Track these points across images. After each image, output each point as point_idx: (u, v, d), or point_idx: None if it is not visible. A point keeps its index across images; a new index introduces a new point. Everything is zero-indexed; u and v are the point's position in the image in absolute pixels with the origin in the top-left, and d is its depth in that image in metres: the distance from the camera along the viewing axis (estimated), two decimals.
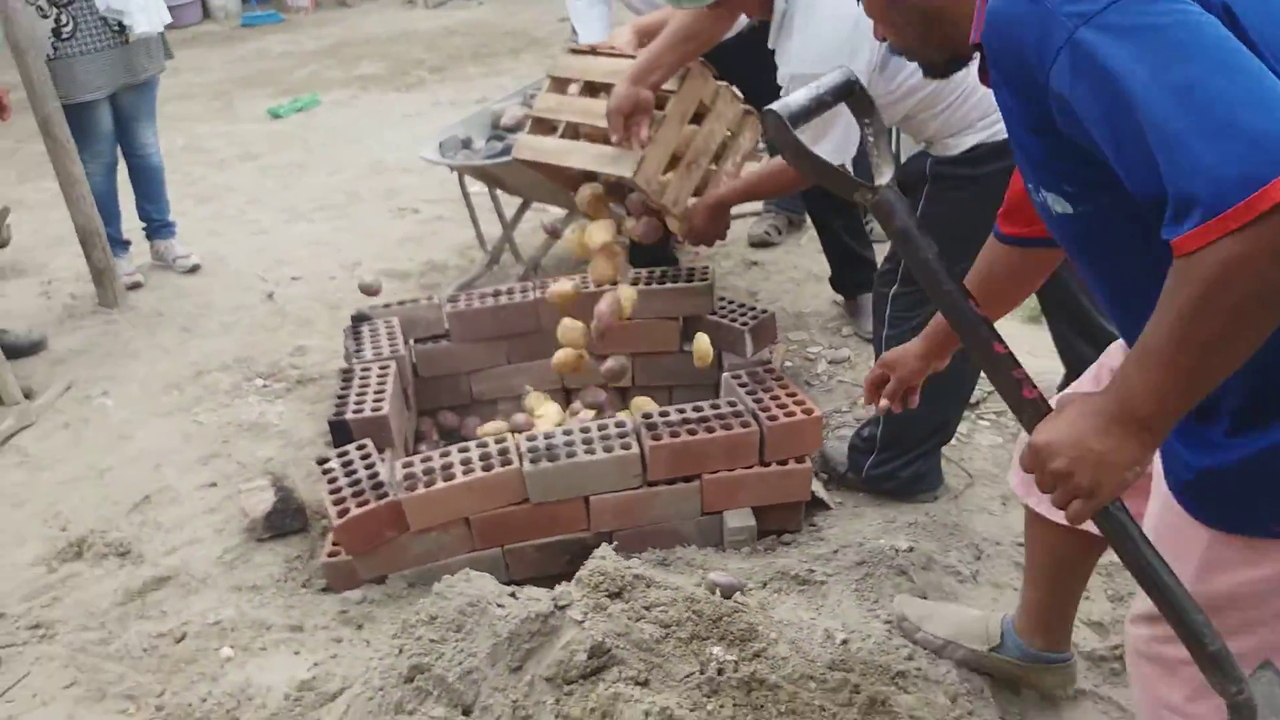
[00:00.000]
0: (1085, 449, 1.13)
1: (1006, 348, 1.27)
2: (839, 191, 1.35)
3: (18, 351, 3.46)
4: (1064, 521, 1.21)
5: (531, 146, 2.91)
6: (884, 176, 1.32)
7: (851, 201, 1.35)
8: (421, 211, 4.75)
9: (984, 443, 2.82)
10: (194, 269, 4.16)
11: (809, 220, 4.09)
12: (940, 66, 1.38)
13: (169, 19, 3.96)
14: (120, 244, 4.04)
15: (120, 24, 3.71)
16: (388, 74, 7.32)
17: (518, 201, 3.92)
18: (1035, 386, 1.25)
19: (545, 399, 3.05)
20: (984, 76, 1.27)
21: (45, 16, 3.65)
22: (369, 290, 3.25)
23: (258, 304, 3.88)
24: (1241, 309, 0.99)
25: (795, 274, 3.78)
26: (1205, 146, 0.95)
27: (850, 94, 1.38)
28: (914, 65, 1.48)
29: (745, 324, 2.91)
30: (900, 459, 2.57)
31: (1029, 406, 1.24)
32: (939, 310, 1.40)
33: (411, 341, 3.04)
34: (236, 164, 5.53)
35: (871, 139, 1.37)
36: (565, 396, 3.16)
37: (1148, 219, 1.06)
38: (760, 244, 4.01)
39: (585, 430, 2.46)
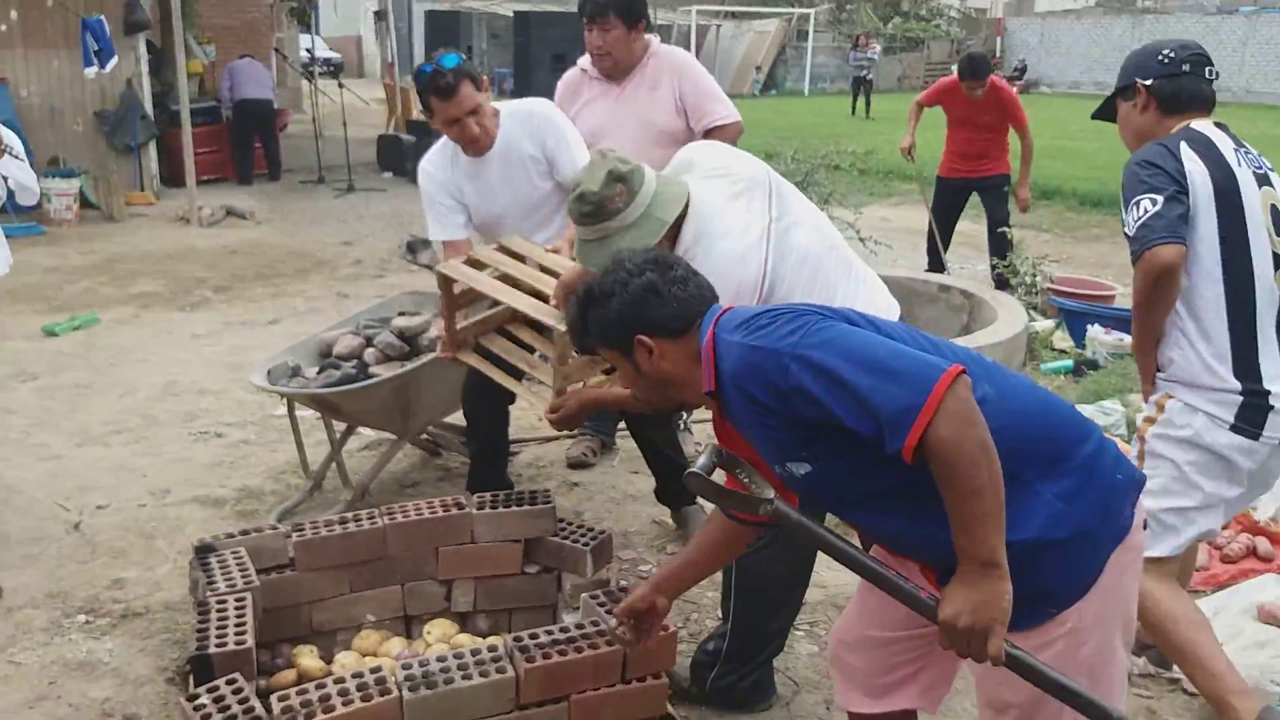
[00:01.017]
0: (974, 601, 1.64)
1: (899, 574, 1.79)
2: (745, 510, 1.95)
3: None
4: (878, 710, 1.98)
5: (463, 273, 3.16)
6: (768, 492, 1.88)
7: (755, 515, 1.90)
8: (225, 435, 4.71)
9: (803, 651, 3.12)
10: None
11: (619, 443, 4.45)
12: (661, 412, 2.19)
13: None
14: None
15: None
16: (169, 292, 7.23)
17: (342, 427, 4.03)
18: (926, 590, 1.75)
19: (385, 637, 3.08)
20: (720, 424, 1.98)
21: None
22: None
23: (63, 534, 3.70)
24: (976, 455, 1.59)
25: (614, 494, 4.06)
26: (893, 385, 1.62)
27: (722, 460, 1.96)
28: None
29: (586, 544, 3.13)
30: (740, 670, 2.83)
31: (925, 605, 1.72)
32: (848, 568, 1.84)
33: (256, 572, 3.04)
34: (13, 385, 5.27)
35: (747, 478, 1.93)
36: (407, 625, 3.22)
37: (864, 447, 1.68)
38: (578, 465, 4.29)
39: (459, 655, 2.56)
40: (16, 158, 3.87)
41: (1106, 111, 2.91)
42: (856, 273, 2.61)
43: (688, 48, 27.71)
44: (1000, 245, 6.54)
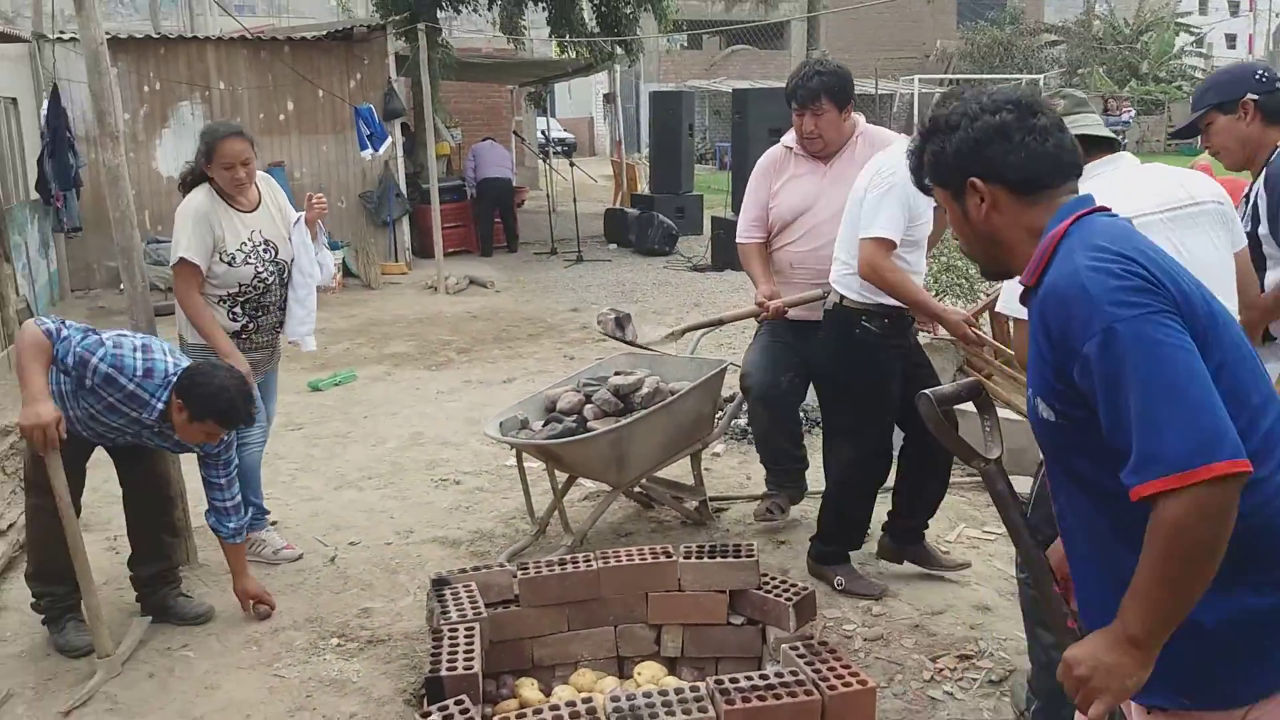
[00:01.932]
0: (1098, 661, 1.56)
1: (1062, 589, 1.75)
2: (961, 456, 1.86)
3: (184, 618, 3.65)
4: None
5: None
6: (993, 453, 1.82)
7: (967, 464, 1.85)
8: (463, 483, 5.11)
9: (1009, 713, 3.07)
10: (273, 524, 4.43)
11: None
12: (990, 274, 1.92)
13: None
14: (263, 514, 4.30)
15: (281, 325, 4.25)
16: (417, 353, 7.91)
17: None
18: (1076, 619, 1.71)
19: (600, 676, 3.27)
20: (1024, 299, 1.76)
21: (234, 320, 4.05)
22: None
23: (321, 566, 4.15)
24: (1195, 555, 1.45)
25: None
26: (1173, 431, 1.44)
27: (978, 396, 1.90)
28: None
29: (789, 599, 3.21)
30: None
31: (1069, 635, 1.69)
32: (1022, 558, 1.83)
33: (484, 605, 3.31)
34: (282, 433, 5.91)
35: (989, 427, 1.87)
36: (620, 666, 3.40)
37: (1103, 448, 1.55)
38: (765, 519, 4.36)
39: (664, 693, 2.71)
40: (326, 247, 4.53)
41: (1188, 131, 3.31)
42: None
43: (910, 116, 27.54)
44: None
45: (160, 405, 3.29)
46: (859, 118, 4.06)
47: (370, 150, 10.74)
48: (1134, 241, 1.64)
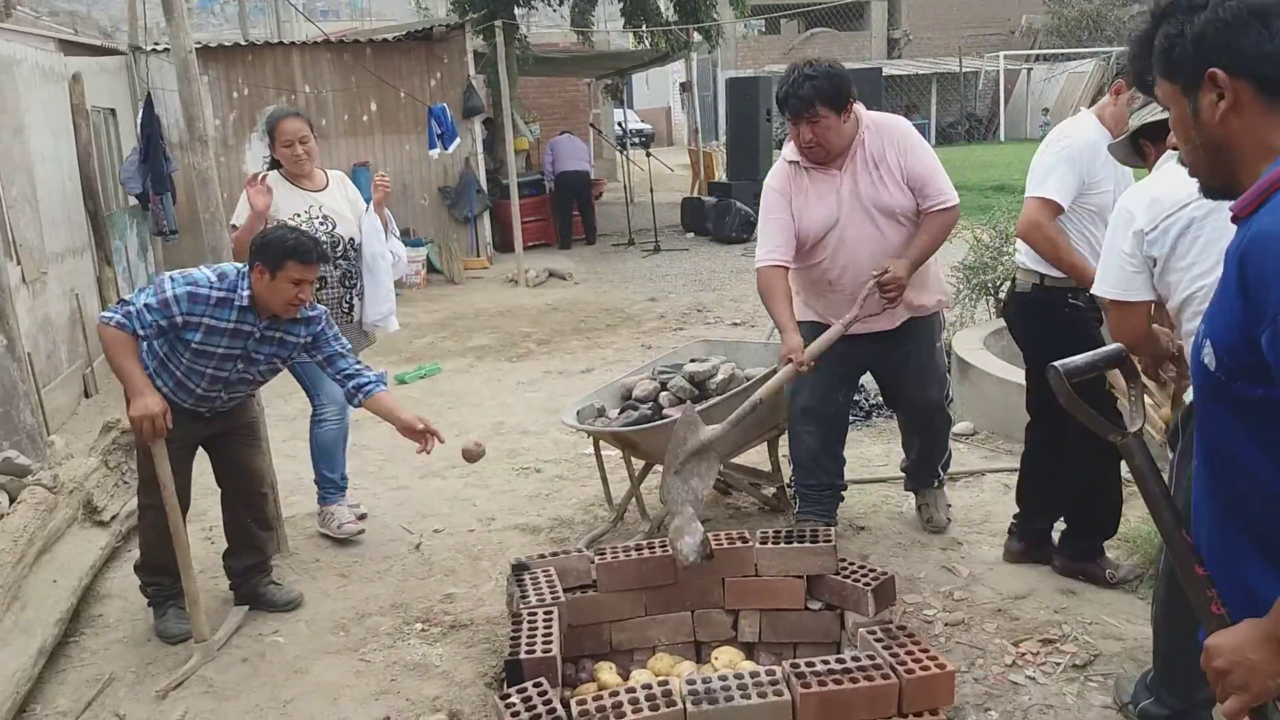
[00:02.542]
0: (1242, 655, 1.43)
1: (1206, 570, 1.56)
2: (1097, 430, 1.72)
3: (274, 606, 3.79)
4: None
5: None
6: (1134, 425, 1.69)
7: (1103, 437, 1.71)
8: (543, 471, 5.18)
9: (1096, 702, 3.00)
10: (363, 517, 4.57)
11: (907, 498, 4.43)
12: (1212, 191, 1.58)
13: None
14: (339, 489, 4.48)
15: (350, 308, 4.41)
16: (498, 345, 8.03)
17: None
18: (1221, 605, 1.54)
19: (677, 660, 3.29)
20: (1235, 219, 1.49)
21: None
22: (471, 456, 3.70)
23: (406, 554, 4.25)
24: None
25: (901, 539, 4.09)
26: None
27: (1122, 363, 1.74)
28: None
29: (868, 584, 3.19)
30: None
31: (1214, 619, 1.54)
32: (1161, 534, 1.66)
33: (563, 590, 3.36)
34: (370, 424, 6.03)
35: (1134, 397, 1.73)
36: (697, 650, 3.41)
37: (1258, 412, 1.38)
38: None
39: (739, 676, 2.72)
40: (396, 236, 4.65)
41: None
42: None
43: (995, 94, 26.89)
44: None
45: (246, 291, 3.42)
46: (861, 110, 3.72)
47: (439, 148, 10.91)
48: None
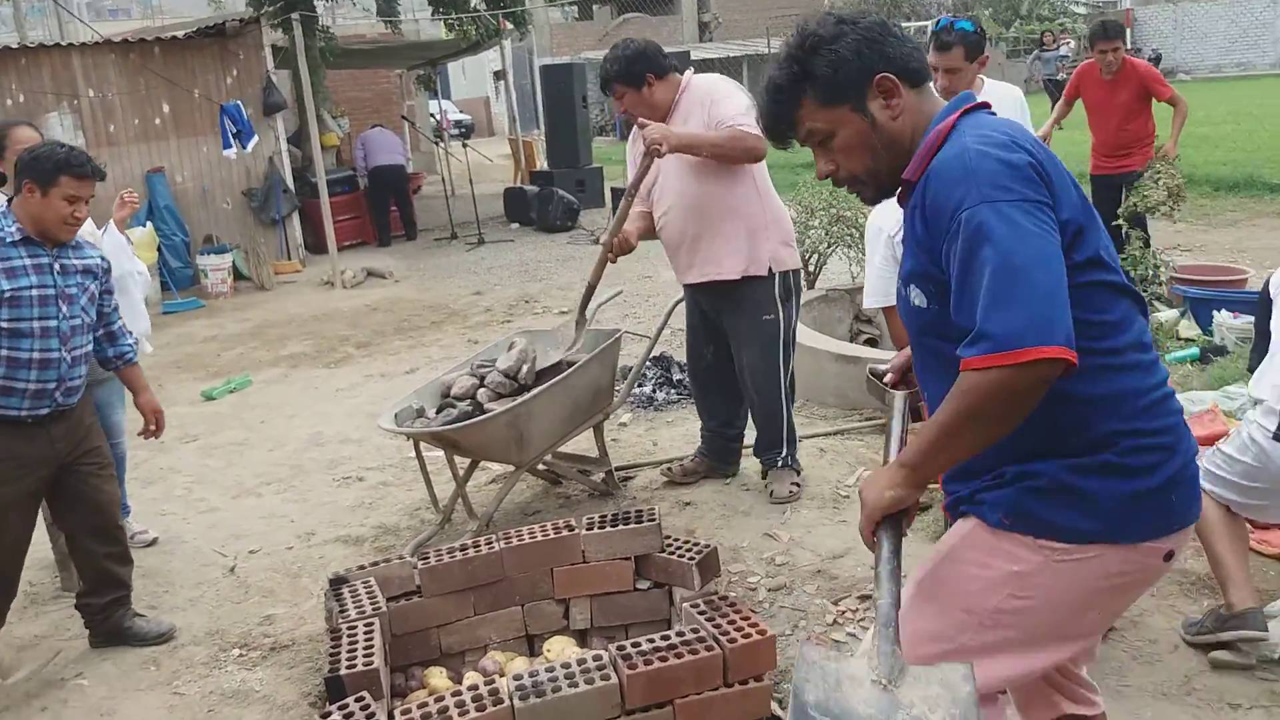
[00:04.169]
0: (876, 481, 1.73)
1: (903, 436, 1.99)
2: (875, 397, 2.20)
3: (145, 639, 3.54)
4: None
5: None
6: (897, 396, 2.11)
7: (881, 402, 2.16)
8: (366, 479, 5.02)
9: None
10: (152, 542, 4.32)
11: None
12: (882, 191, 1.86)
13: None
14: (125, 512, 4.20)
15: None
16: (315, 352, 7.74)
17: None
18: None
19: (510, 657, 3.26)
20: (902, 199, 1.83)
21: None
22: None
23: (220, 578, 4.04)
24: (986, 417, 1.57)
25: (725, 511, 4.16)
26: (1011, 310, 1.51)
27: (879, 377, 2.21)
28: None
29: (692, 559, 3.23)
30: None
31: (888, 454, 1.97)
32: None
33: (385, 600, 3.27)
34: (177, 446, 5.75)
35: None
36: (530, 644, 3.38)
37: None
38: (672, 483, 4.46)
39: (566, 665, 2.71)
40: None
41: None
42: None
43: None
44: (1118, 240, 6.34)
45: (12, 225, 3.23)
46: (683, 77, 4.12)
47: (234, 149, 10.44)
48: (1024, 133, 1.69)
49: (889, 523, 1.72)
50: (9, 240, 3.23)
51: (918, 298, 1.75)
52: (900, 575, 1.68)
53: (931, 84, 1.83)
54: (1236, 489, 3.00)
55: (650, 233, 4.24)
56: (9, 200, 3.40)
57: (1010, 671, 1.81)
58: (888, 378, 2.20)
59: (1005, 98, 4.28)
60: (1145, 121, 6.44)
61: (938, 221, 1.63)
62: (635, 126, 4.14)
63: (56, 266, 3.29)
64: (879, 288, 3.27)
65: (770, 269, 4.08)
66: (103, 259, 3.52)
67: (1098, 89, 6.43)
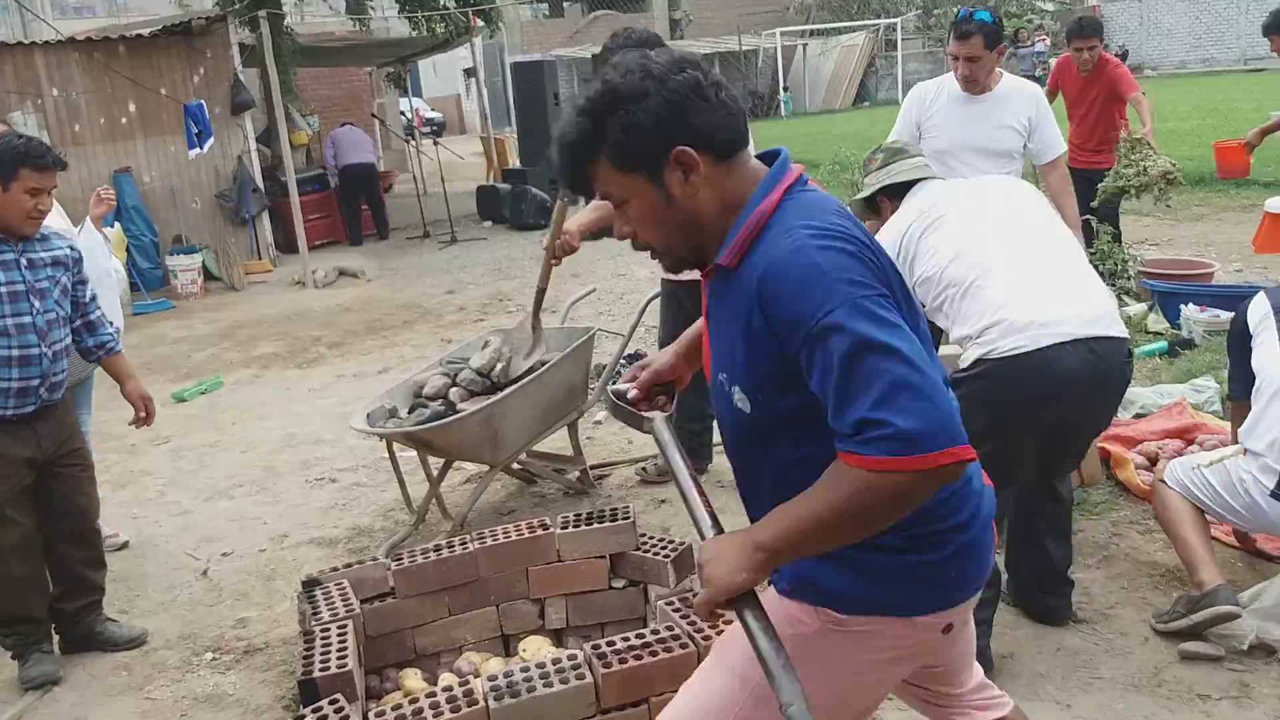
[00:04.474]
0: (721, 557, 1.54)
1: (708, 506, 1.70)
2: (633, 426, 1.98)
3: (117, 644, 3.51)
4: None
5: None
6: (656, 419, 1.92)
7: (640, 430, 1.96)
8: (339, 480, 4.99)
9: None
10: (124, 546, 4.28)
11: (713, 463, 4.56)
12: (681, 263, 1.69)
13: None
14: None
15: None
16: (286, 352, 7.68)
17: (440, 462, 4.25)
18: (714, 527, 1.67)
19: (486, 657, 3.25)
20: (707, 277, 1.68)
21: None
22: None
23: (192, 581, 4.01)
24: (874, 517, 1.46)
25: None
26: (910, 410, 1.37)
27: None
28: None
29: (667, 556, 3.23)
30: None
31: (701, 532, 1.68)
32: (679, 489, 1.77)
33: (359, 602, 3.25)
34: (148, 449, 5.69)
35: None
36: (505, 644, 3.37)
37: (798, 430, 1.55)
38: (647, 482, 4.46)
39: (541, 665, 2.70)
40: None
41: None
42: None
43: (775, 70, 27.81)
44: (1088, 234, 6.39)
45: None
46: None
47: (197, 148, 10.34)
48: (847, 217, 1.57)
49: (745, 598, 1.56)
50: None
51: (741, 400, 1.61)
52: (773, 629, 1.53)
53: (751, 149, 1.65)
54: (1209, 507, 3.08)
55: (602, 225, 4.12)
56: None
57: None
58: (631, 393, 2.01)
59: (1023, 93, 4.23)
60: (1116, 119, 6.49)
61: (788, 329, 1.47)
62: None
63: (23, 262, 3.25)
64: None
65: None
66: (72, 249, 3.47)
67: (1074, 83, 6.48)
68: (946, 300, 2.81)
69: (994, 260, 2.77)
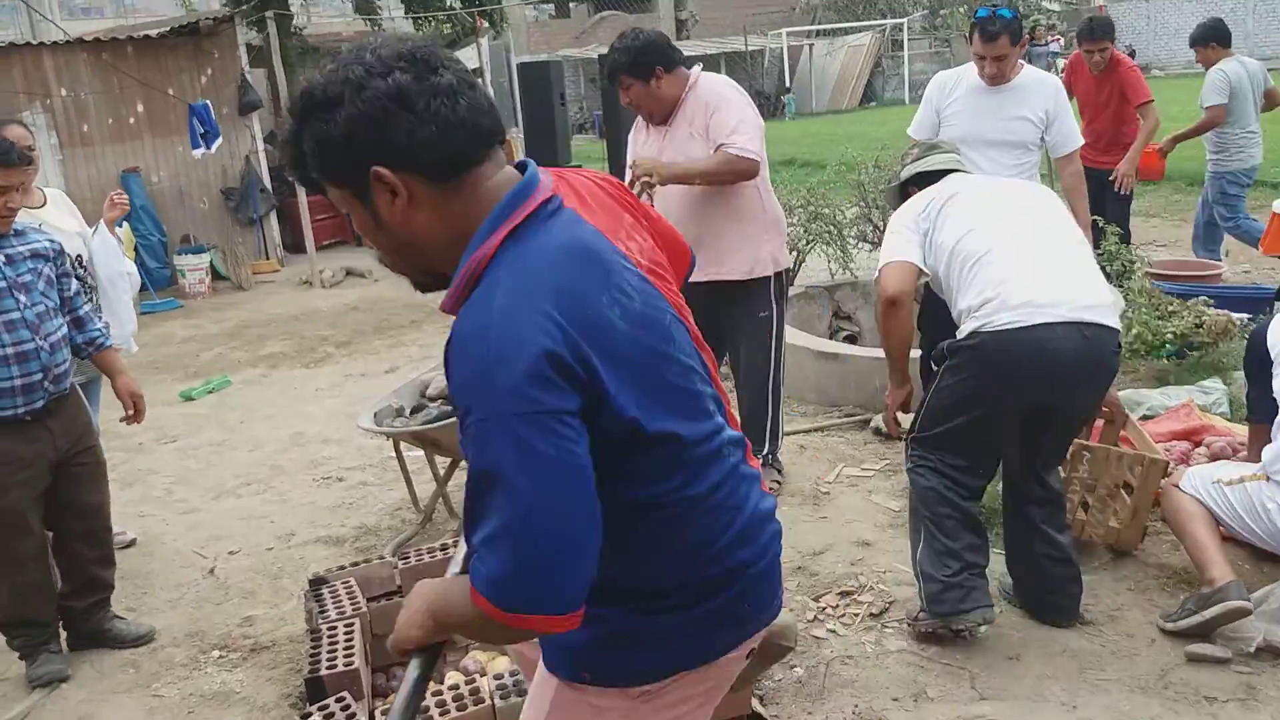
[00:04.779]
0: (412, 599, 1.52)
1: None
2: None
3: (124, 641, 3.52)
4: None
5: None
6: None
7: None
8: (346, 479, 5.00)
9: (892, 647, 3.15)
10: (131, 543, 4.29)
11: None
12: (422, 286, 1.52)
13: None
14: None
15: None
16: (294, 352, 7.70)
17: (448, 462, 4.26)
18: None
19: (492, 656, 3.25)
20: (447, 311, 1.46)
21: None
22: None
23: (199, 579, 4.02)
24: (490, 637, 1.63)
25: None
26: (507, 562, 1.28)
27: None
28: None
29: None
30: None
31: None
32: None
33: (365, 600, 3.26)
34: (155, 447, 5.71)
35: None
36: None
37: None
38: None
39: None
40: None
41: None
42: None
43: (781, 71, 27.80)
44: (1096, 234, 6.37)
45: None
46: (691, 74, 4.03)
47: (202, 149, 10.36)
48: (572, 278, 1.36)
49: (424, 650, 1.54)
50: None
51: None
52: (416, 706, 1.52)
53: (507, 167, 1.45)
54: (1225, 523, 3.10)
55: None
56: None
57: None
58: None
59: (1042, 86, 4.20)
60: (1127, 121, 6.44)
61: (455, 401, 1.35)
62: (639, 117, 4.15)
63: (0, 259, 3.24)
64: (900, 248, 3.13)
65: (771, 269, 4.12)
66: (51, 241, 3.43)
67: (1086, 82, 6.44)
68: (954, 271, 2.95)
69: (1004, 242, 2.91)
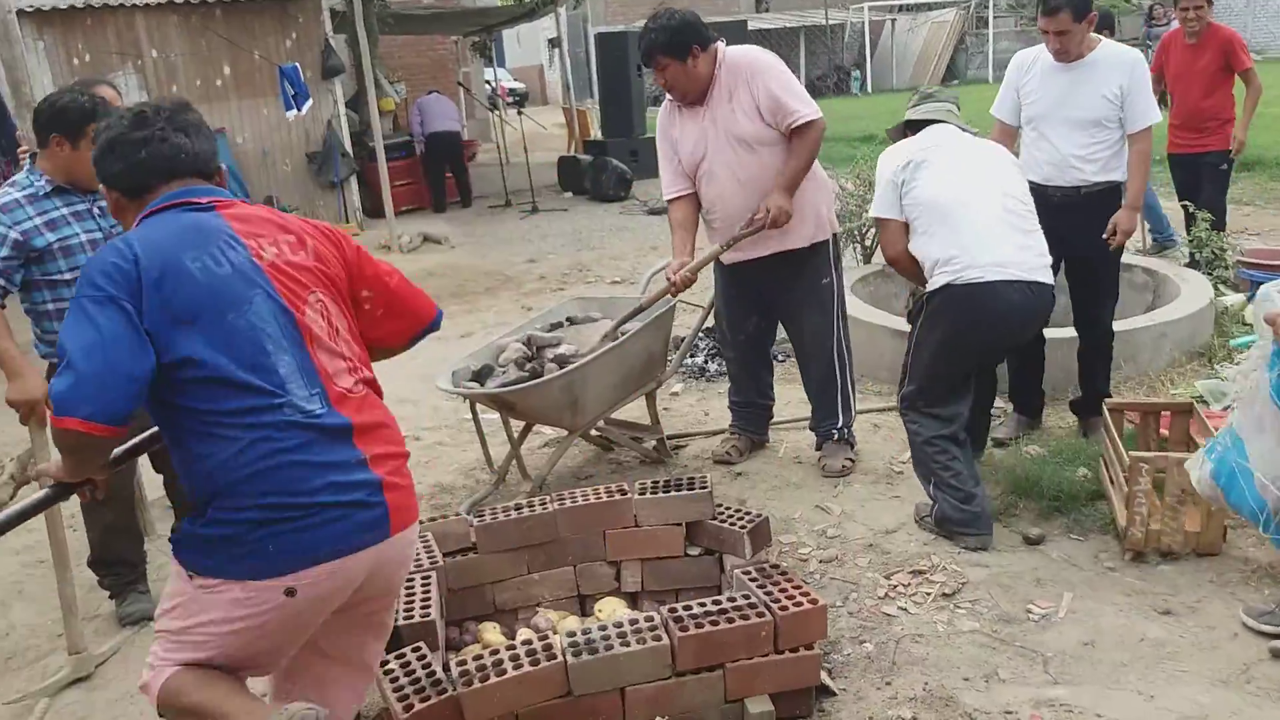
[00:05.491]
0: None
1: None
2: None
3: (147, 616, 3.55)
4: None
5: None
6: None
7: None
8: (422, 438, 5.10)
9: (965, 627, 3.13)
10: None
11: (773, 439, 4.55)
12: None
13: None
14: None
15: None
16: None
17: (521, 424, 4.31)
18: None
19: (563, 615, 3.31)
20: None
21: None
22: None
23: None
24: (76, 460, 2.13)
25: (777, 482, 4.17)
26: (63, 380, 1.95)
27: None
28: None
29: (744, 527, 3.25)
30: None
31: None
32: None
33: (442, 555, 3.33)
34: None
35: None
36: (581, 604, 3.42)
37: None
38: (722, 461, 4.41)
39: (619, 624, 2.74)
40: None
41: None
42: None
43: (862, 45, 27.35)
44: (1187, 221, 6.20)
45: (41, 179, 3.27)
46: (722, 49, 4.01)
47: (294, 110, 10.54)
48: (166, 234, 2.06)
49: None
50: (42, 193, 3.26)
51: None
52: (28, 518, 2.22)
53: (193, 186, 2.17)
54: None
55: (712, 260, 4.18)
56: (32, 157, 3.41)
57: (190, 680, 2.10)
58: None
59: (1119, 60, 4.09)
60: (1225, 96, 6.19)
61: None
62: (667, 100, 4.15)
63: (95, 210, 3.33)
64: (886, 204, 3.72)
65: (830, 231, 4.16)
66: None
67: (1180, 54, 6.21)
68: (927, 219, 3.54)
69: (971, 202, 3.51)
